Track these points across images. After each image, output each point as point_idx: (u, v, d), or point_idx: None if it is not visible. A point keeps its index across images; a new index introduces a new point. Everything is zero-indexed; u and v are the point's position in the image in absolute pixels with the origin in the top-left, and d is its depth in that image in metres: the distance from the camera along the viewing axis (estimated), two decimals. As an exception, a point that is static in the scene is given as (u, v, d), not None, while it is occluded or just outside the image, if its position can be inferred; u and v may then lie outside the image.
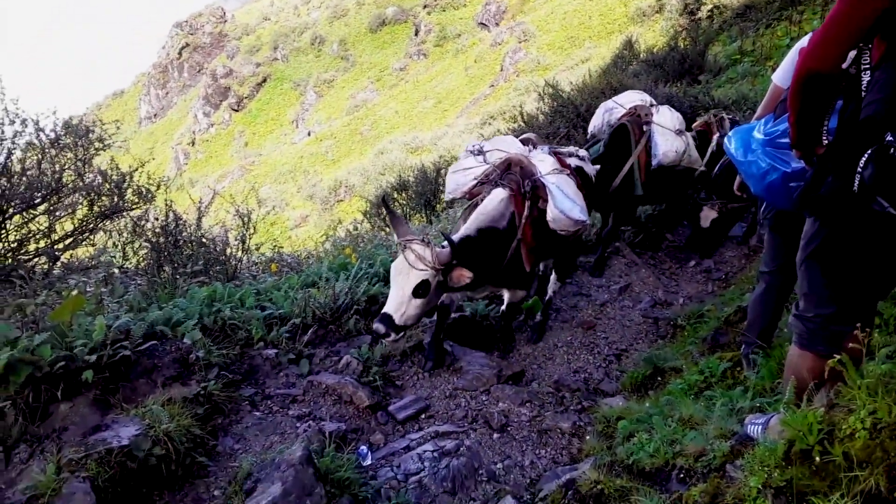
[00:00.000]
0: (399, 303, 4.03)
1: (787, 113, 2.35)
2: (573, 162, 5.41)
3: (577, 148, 5.84)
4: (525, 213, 4.54)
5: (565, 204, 4.59)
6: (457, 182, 5.04)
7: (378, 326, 4.02)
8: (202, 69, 54.55)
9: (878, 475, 1.93)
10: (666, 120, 6.93)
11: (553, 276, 5.71)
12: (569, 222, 4.58)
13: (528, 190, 4.60)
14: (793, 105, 2.24)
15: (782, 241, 3.50)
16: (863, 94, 2.07)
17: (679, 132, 6.93)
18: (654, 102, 7.28)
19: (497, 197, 4.57)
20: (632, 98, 7.40)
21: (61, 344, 3.71)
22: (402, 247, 4.07)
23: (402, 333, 4.13)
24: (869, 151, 1.97)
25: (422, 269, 3.98)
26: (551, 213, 4.57)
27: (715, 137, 7.87)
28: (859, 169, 2.00)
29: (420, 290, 4.01)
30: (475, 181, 4.90)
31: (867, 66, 2.07)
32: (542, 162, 4.94)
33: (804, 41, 3.14)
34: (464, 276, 4.07)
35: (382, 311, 4.09)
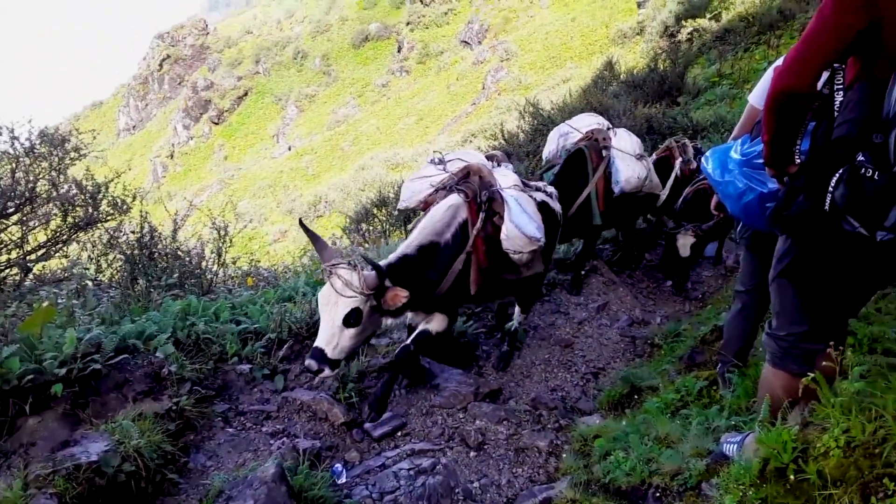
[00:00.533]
0: (330, 335, 3.68)
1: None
2: (538, 196, 4.92)
3: (544, 183, 5.41)
4: (478, 224, 4.21)
5: (521, 218, 4.26)
6: (412, 190, 4.74)
7: (310, 363, 3.68)
8: (183, 81, 54.29)
9: (852, 493, 1.93)
10: (625, 144, 6.68)
11: (517, 309, 5.33)
12: (523, 240, 4.23)
13: (484, 200, 4.29)
14: (766, 124, 2.26)
15: (758, 261, 3.52)
16: (835, 114, 2.09)
17: (639, 157, 6.69)
18: (611, 126, 7.01)
19: (446, 203, 4.26)
20: (587, 122, 7.08)
21: (30, 357, 3.63)
22: (327, 273, 3.71)
23: (337, 368, 3.81)
24: (840, 171, 1.99)
25: (350, 297, 3.60)
26: (506, 228, 4.23)
27: (677, 163, 7.74)
28: (830, 188, 2.02)
29: (351, 318, 3.64)
30: (432, 189, 4.62)
31: (840, 86, 2.10)
32: (505, 176, 4.65)
33: (779, 61, 3.18)
34: (399, 297, 3.68)
35: (314, 345, 3.75)
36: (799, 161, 2.28)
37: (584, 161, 6.52)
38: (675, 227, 7.01)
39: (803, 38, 2.06)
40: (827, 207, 2.03)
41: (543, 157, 7.26)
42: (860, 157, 1.94)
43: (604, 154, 6.54)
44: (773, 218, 2.36)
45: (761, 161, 2.72)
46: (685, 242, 6.85)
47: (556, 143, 7.04)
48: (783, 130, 2.23)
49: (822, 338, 2.41)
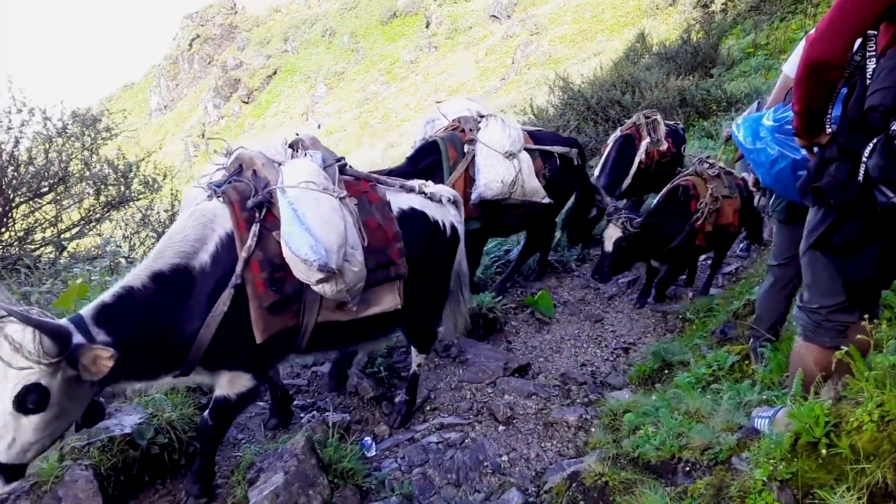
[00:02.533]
0: (1, 426, 2.37)
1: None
2: (405, 201, 3.68)
3: (425, 183, 4.00)
4: (249, 241, 2.90)
5: (294, 233, 2.86)
6: (186, 200, 3.39)
7: None
8: (212, 61, 54.58)
9: (885, 468, 1.91)
10: (493, 138, 5.22)
11: (413, 350, 4.14)
12: (296, 264, 2.86)
13: (256, 205, 2.97)
14: (798, 93, 2.21)
15: (792, 234, 3.45)
16: (868, 82, 2.03)
17: (509, 155, 5.23)
18: (486, 113, 5.58)
19: (198, 213, 3.00)
20: (459, 108, 5.78)
21: (65, 331, 3.71)
22: None
23: (19, 481, 2.53)
24: (874, 141, 1.94)
25: (25, 367, 2.34)
26: (283, 247, 2.90)
27: (644, 143, 7.21)
28: (864, 158, 1.96)
29: (29, 400, 2.36)
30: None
31: (872, 53, 2.03)
32: (296, 170, 3.13)
33: (812, 31, 3.10)
34: (101, 359, 2.41)
35: None
36: (830, 130, 2.22)
37: (439, 155, 5.24)
38: (610, 212, 5.92)
39: (836, 6, 2.00)
40: (860, 178, 1.98)
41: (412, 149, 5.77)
42: (895, 127, 1.88)
43: (466, 149, 5.23)
44: (805, 189, 2.31)
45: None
46: (610, 234, 5.72)
47: (422, 132, 5.83)
48: (815, 100, 2.18)
49: (854, 310, 2.37)
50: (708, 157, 6.26)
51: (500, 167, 5.17)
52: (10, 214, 6.30)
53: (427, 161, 5.21)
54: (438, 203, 3.89)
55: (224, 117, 47.79)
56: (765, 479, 2.20)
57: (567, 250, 7.51)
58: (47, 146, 6.84)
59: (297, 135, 3.56)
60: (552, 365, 5.16)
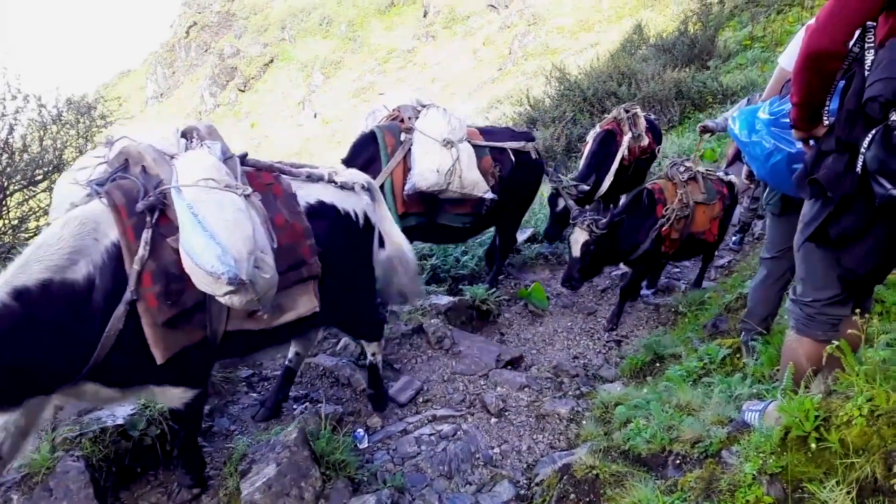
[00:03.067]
0: None
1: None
2: (313, 194, 3.34)
3: (335, 171, 3.67)
4: (141, 250, 2.52)
5: (196, 243, 2.49)
6: (58, 198, 2.92)
7: None
8: (209, 48, 54.29)
9: (874, 462, 1.91)
10: (432, 125, 4.95)
11: (363, 342, 4.09)
12: (201, 276, 2.50)
13: (147, 208, 2.59)
14: (797, 85, 2.20)
15: (785, 227, 3.45)
16: (866, 73, 2.02)
17: (447, 143, 4.89)
18: (428, 103, 5.32)
19: (76, 219, 2.55)
20: (400, 97, 5.56)
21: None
22: None
23: None
24: (873, 132, 1.93)
25: None
26: (183, 258, 2.54)
27: (626, 139, 6.82)
28: (863, 150, 1.96)
29: None
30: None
31: (871, 44, 2.02)
32: (193, 164, 2.72)
33: (811, 21, 3.09)
34: None
35: None
36: (827, 122, 2.22)
37: (376, 146, 4.98)
38: (576, 216, 5.55)
39: (832, 3, 1.99)
40: (859, 170, 1.98)
41: None
42: (894, 118, 1.88)
43: (403, 138, 4.99)
44: (801, 181, 2.30)
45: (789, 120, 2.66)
46: (577, 239, 5.40)
47: (364, 125, 5.52)
48: (814, 91, 2.17)
49: (848, 303, 2.38)
50: (685, 161, 5.96)
51: (436, 156, 4.86)
52: (4, 203, 6.27)
53: (365, 155, 4.95)
54: (350, 192, 3.58)
55: (220, 105, 47.58)
56: (755, 472, 2.20)
57: (561, 242, 7.47)
58: (42, 133, 6.79)
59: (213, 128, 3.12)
60: (545, 357, 5.18)
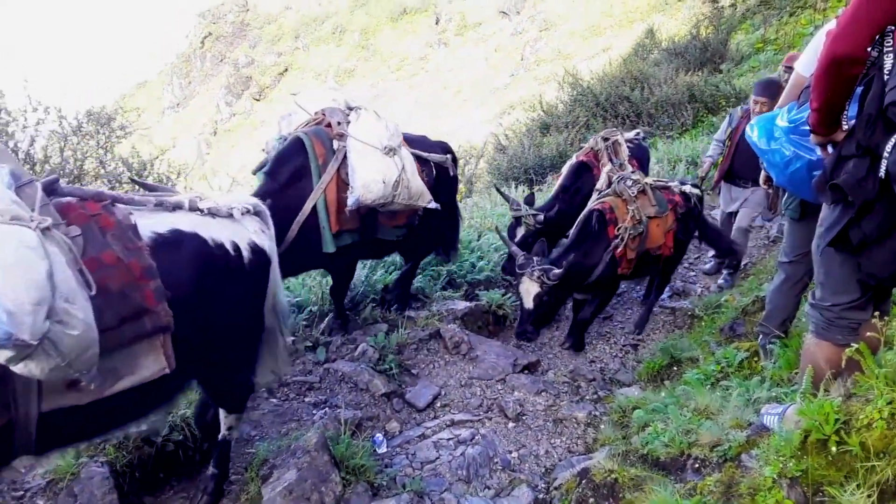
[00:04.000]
0: None
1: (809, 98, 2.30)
2: (163, 223, 2.60)
3: (202, 194, 2.98)
4: None
5: None
6: None
7: None
8: (224, 58, 54.66)
9: (895, 466, 1.91)
10: (368, 131, 4.39)
11: (221, 411, 3.22)
12: None
13: None
14: (818, 90, 2.19)
15: (803, 231, 3.44)
16: (886, 77, 2.02)
17: (389, 151, 4.38)
18: (356, 106, 4.69)
19: None
20: (322, 98, 4.81)
21: (81, 329, 3.75)
22: None
23: None
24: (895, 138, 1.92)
25: None
26: None
27: (605, 171, 5.79)
28: (886, 154, 1.95)
29: None
30: None
31: (890, 48, 2.02)
32: None
33: (829, 25, 3.09)
34: None
35: None
36: (846, 127, 2.22)
37: (305, 155, 4.28)
38: (522, 264, 4.85)
39: (853, 8, 1.99)
40: (882, 174, 1.97)
41: (265, 147, 4.81)
42: None
43: (336, 146, 4.32)
44: (821, 186, 2.30)
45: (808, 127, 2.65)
46: (528, 290, 4.77)
47: (277, 130, 4.80)
48: (835, 96, 2.16)
49: (867, 307, 2.37)
50: (632, 173, 5.47)
51: (381, 164, 4.30)
52: (25, 213, 6.37)
53: (292, 165, 4.24)
54: (226, 218, 2.87)
55: (236, 115, 47.88)
56: (774, 476, 2.21)
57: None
58: (62, 145, 6.90)
59: None
60: (561, 362, 5.18)
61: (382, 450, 3.80)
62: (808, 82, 2.96)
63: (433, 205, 4.73)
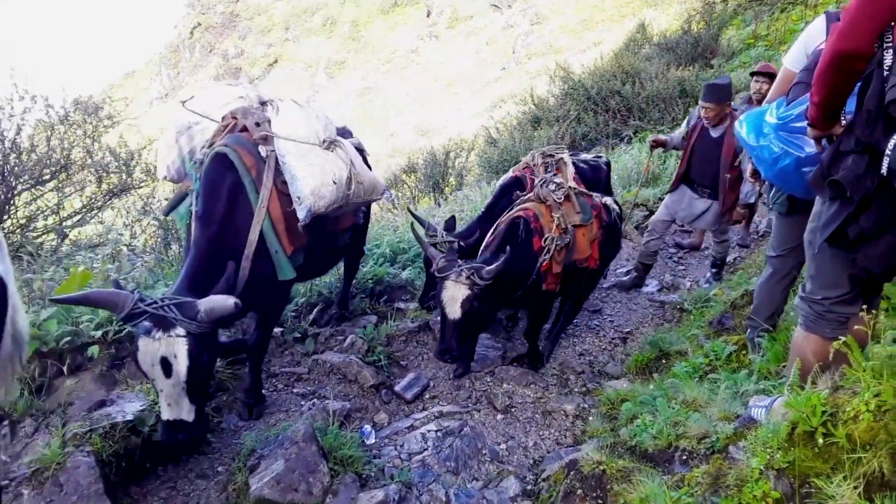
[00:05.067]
0: None
1: (809, 92, 2.29)
2: None
3: None
4: None
5: None
6: None
7: None
8: (213, 49, 54.36)
9: (881, 458, 1.92)
10: (297, 127, 3.70)
11: None
12: None
13: None
14: (820, 85, 2.18)
15: (791, 226, 3.46)
16: (885, 73, 2.01)
17: (330, 145, 3.78)
18: (268, 98, 4.00)
19: None
20: (221, 99, 4.00)
21: (67, 319, 3.74)
22: None
23: None
24: None
25: None
26: None
27: (537, 189, 4.81)
28: (888, 151, 1.94)
29: None
30: None
31: (890, 44, 2.01)
32: None
33: (816, 23, 3.09)
34: None
35: None
36: (844, 122, 2.21)
37: (234, 173, 3.49)
38: (445, 266, 4.01)
39: (857, 4, 1.98)
40: (884, 171, 1.96)
41: (160, 174, 4.11)
42: None
43: (264, 152, 3.60)
44: (818, 182, 2.29)
45: (799, 125, 2.66)
46: (454, 295, 3.87)
47: (175, 150, 3.92)
48: (838, 92, 2.15)
49: (857, 301, 2.38)
50: (554, 177, 4.84)
51: (325, 163, 3.69)
52: (12, 202, 6.31)
53: (223, 189, 3.43)
54: None
55: (224, 106, 47.64)
56: (761, 467, 2.21)
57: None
58: (49, 134, 6.85)
59: None
60: (550, 354, 5.18)
61: (371, 441, 3.80)
62: (797, 77, 2.97)
63: (387, 194, 4.30)
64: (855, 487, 1.93)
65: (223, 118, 3.82)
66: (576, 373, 4.79)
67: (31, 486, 2.97)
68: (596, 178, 5.98)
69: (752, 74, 6.62)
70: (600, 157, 6.56)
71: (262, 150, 3.59)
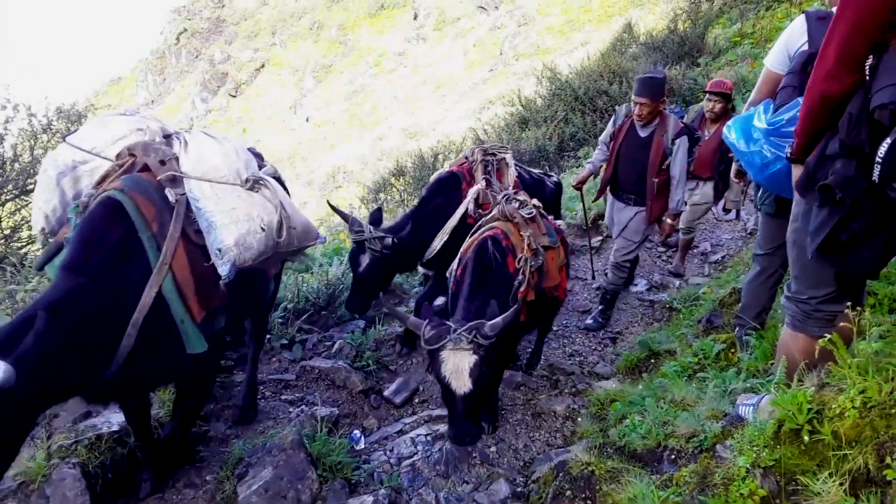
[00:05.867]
0: None
1: (798, 99, 2.28)
2: None
3: None
4: None
5: None
6: None
7: None
8: (200, 55, 54.22)
9: (866, 454, 1.92)
10: (211, 163, 3.05)
11: None
12: None
13: None
14: (807, 123, 2.18)
15: (779, 225, 3.46)
16: (866, 77, 2.00)
17: (254, 184, 3.17)
18: (174, 131, 3.33)
19: None
20: (114, 132, 3.22)
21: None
22: None
23: None
24: (889, 140, 1.90)
25: None
26: None
27: (475, 189, 4.82)
28: (879, 158, 1.93)
29: None
30: None
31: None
32: None
33: (796, 24, 3.08)
34: None
35: None
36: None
37: (126, 223, 2.74)
38: (436, 335, 3.13)
39: (840, 40, 1.95)
40: (877, 179, 1.95)
41: (35, 226, 3.34)
42: None
43: (172, 196, 2.90)
44: (804, 187, 2.27)
45: (789, 130, 2.65)
46: (459, 366, 3.05)
47: (56, 196, 3.11)
48: (824, 125, 2.14)
49: (842, 300, 2.38)
50: (516, 193, 4.27)
51: (251, 207, 3.09)
52: (-5, 212, 6.28)
53: (107, 248, 2.66)
54: None
55: (212, 111, 47.52)
56: (748, 466, 2.21)
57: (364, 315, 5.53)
58: (33, 143, 6.81)
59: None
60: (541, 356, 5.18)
61: (360, 446, 3.79)
62: (784, 81, 2.96)
63: (321, 239, 3.65)
64: (841, 484, 1.93)
65: (118, 155, 3.05)
66: (566, 374, 4.79)
67: (17, 499, 2.95)
68: (538, 190, 5.48)
69: (705, 92, 6.31)
70: (551, 175, 6.19)
71: (170, 193, 2.88)
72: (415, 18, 45.90)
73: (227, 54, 50.82)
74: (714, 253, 7.26)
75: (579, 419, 4.03)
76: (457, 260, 3.81)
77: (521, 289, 3.51)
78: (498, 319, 3.03)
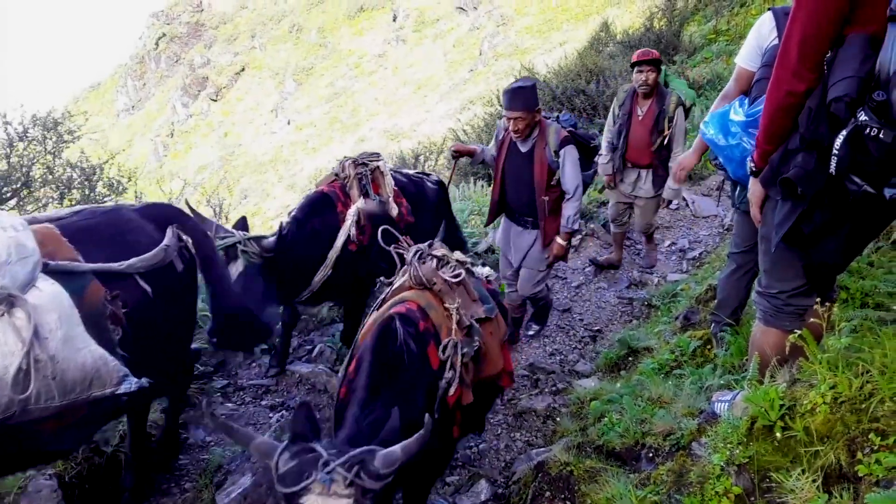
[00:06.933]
0: None
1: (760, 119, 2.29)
2: None
3: None
4: None
5: None
6: None
7: None
8: (179, 59, 53.87)
9: (838, 449, 1.94)
10: None
11: None
12: None
13: None
14: (771, 128, 2.20)
15: (753, 223, 3.48)
16: (824, 71, 2.02)
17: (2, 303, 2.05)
18: None
19: None
20: None
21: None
22: None
23: None
24: (844, 133, 1.93)
25: None
26: None
27: (354, 209, 4.34)
28: (835, 151, 1.96)
29: None
30: None
31: None
32: None
33: (765, 21, 3.09)
34: None
35: None
36: None
37: None
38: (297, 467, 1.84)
39: (800, 37, 1.98)
40: (833, 171, 1.98)
41: None
42: (862, 117, 1.88)
43: None
44: (770, 181, 2.29)
45: None
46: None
47: None
48: (788, 128, 2.16)
49: (812, 294, 2.40)
50: (432, 244, 3.08)
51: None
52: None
53: None
54: None
55: (193, 115, 47.23)
56: (722, 464, 2.22)
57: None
58: (8, 151, 6.75)
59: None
60: (521, 355, 5.18)
61: (341, 451, 3.76)
62: (758, 74, 2.96)
63: (127, 385, 2.42)
64: (814, 481, 1.94)
65: None
66: (546, 373, 4.79)
67: (-8, 513, 2.91)
68: (420, 194, 5.07)
69: (634, 65, 5.71)
70: (430, 174, 5.60)
71: None
72: (394, 20, 45.88)
73: (206, 58, 50.53)
74: (692, 249, 7.29)
75: (559, 418, 4.03)
76: (349, 354, 2.63)
77: (452, 391, 2.53)
78: (396, 448, 1.86)
